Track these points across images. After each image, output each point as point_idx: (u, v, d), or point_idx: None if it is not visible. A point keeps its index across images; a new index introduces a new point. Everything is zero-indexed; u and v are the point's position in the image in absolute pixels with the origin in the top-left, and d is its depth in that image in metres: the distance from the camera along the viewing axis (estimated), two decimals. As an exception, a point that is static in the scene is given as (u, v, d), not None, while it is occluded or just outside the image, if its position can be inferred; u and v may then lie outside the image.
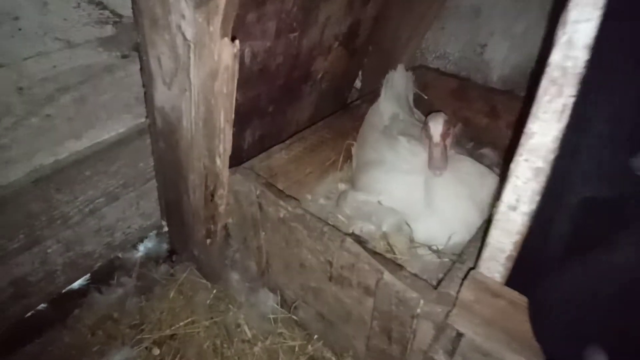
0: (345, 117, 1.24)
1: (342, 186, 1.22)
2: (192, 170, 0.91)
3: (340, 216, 1.08)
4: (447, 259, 0.94)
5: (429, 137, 0.98)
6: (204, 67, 0.74)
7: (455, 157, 0.99)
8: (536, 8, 1.16)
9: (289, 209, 0.82)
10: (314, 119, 1.39)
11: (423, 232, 0.98)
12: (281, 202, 0.83)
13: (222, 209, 0.91)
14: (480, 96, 1.32)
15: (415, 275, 0.68)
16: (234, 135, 0.82)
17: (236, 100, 0.80)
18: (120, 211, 1.00)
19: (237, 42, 0.70)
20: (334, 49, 1.23)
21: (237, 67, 0.72)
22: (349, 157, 1.26)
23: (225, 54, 0.70)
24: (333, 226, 0.77)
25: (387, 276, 0.68)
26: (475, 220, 0.93)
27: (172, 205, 1.06)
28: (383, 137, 1.16)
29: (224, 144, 0.81)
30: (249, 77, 0.96)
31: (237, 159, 0.92)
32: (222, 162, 0.84)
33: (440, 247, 0.96)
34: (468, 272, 0.65)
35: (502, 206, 0.58)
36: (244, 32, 0.84)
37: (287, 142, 1.08)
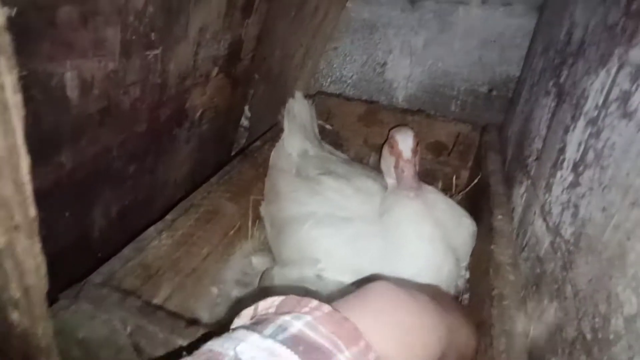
0: (244, 165, 0.91)
1: (257, 261, 0.87)
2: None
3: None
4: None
5: (397, 153, 0.74)
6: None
7: (425, 187, 0.75)
8: (433, 19, 1.06)
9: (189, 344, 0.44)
10: (197, 174, 1.01)
11: None
12: (176, 337, 0.45)
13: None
14: (391, 119, 1.16)
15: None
16: (61, 223, 0.41)
17: (61, 164, 0.41)
18: None
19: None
20: (213, 78, 0.91)
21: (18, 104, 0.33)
22: (258, 217, 0.93)
23: None
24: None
25: None
26: (453, 275, 0.70)
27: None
28: (300, 182, 0.87)
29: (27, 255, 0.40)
30: (83, 122, 0.56)
31: (80, 264, 0.51)
32: (25, 294, 0.41)
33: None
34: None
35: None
36: (56, 41, 0.46)
37: (168, 217, 0.69)
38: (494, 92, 1.09)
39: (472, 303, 0.68)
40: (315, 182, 0.86)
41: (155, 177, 0.86)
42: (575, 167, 0.47)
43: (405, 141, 0.75)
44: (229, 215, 0.84)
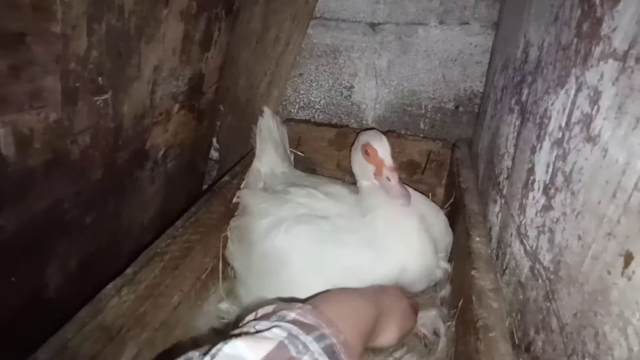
0: (212, 203, 0.86)
1: (227, 307, 0.81)
2: None
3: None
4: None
5: (378, 162, 0.74)
6: None
7: (407, 187, 0.76)
8: (394, 40, 1.07)
9: None
10: (167, 213, 0.97)
11: None
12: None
13: None
14: (362, 141, 1.15)
15: None
16: (9, 289, 0.37)
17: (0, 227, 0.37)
18: None
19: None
20: (174, 114, 0.87)
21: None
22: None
23: None
24: None
25: None
26: (434, 262, 0.73)
27: None
28: (268, 195, 0.85)
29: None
30: (24, 178, 0.51)
31: (37, 329, 0.46)
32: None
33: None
34: None
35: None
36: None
37: (128, 270, 0.64)
38: (461, 108, 1.09)
39: (458, 333, 0.65)
40: (283, 193, 0.83)
41: (119, 222, 0.81)
42: (545, 189, 0.46)
43: (384, 147, 0.75)
44: (199, 256, 0.79)
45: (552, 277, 0.41)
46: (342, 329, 0.39)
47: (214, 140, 1.20)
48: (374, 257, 0.69)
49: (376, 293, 0.57)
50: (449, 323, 0.71)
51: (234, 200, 0.88)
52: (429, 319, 0.72)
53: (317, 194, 0.80)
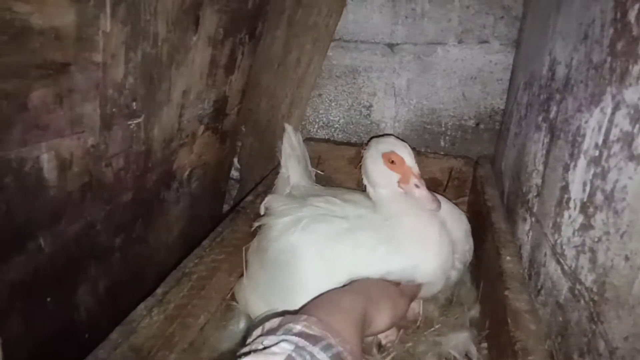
0: (237, 223, 0.87)
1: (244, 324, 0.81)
2: None
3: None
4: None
5: (405, 170, 0.74)
6: None
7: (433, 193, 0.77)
8: (413, 60, 1.08)
9: None
10: (190, 234, 0.98)
11: None
12: None
13: None
14: (382, 160, 1.15)
15: None
16: (43, 311, 0.38)
17: (39, 249, 0.38)
18: None
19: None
20: (199, 136, 0.90)
21: None
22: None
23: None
24: None
25: None
26: (449, 262, 0.73)
27: None
28: (290, 199, 0.85)
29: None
30: (62, 201, 0.53)
31: (67, 351, 0.46)
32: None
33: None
34: None
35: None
36: (29, 125, 0.44)
37: (158, 290, 0.64)
38: (482, 126, 1.09)
39: (492, 356, 0.63)
40: (304, 199, 0.84)
41: (146, 244, 0.82)
42: (583, 207, 0.45)
43: (410, 155, 0.75)
44: (224, 278, 0.80)
45: (596, 298, 0.40)
46: (347, 338, 0.41)
47: (235, 160, 1.22)
48: (389, 255, 0.68)
49: (360, 285, 0.59)
50: (479, 345, 0.69)
51: (262, 204, 0.88)
52: (461, 340, 0.70)
53: (336, 200, 0.80)
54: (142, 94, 0.62)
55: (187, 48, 0.71)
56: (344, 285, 0.61)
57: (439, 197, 0.78)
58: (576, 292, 0.45)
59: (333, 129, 1.23)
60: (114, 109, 0.57)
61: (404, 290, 0.65)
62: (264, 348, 0.37)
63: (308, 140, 1.19)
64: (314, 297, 0.54)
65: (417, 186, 0.73)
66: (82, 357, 0.52)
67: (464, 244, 0.77)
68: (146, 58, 0.60)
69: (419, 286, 0.68)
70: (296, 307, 0.58)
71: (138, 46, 0.57)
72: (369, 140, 0.86)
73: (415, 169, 0.74)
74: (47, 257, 0.54)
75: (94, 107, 0.53)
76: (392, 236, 0.70)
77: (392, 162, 0.76)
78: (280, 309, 0.66)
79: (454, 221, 0.77)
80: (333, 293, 0.54)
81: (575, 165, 0.48)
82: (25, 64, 0.41)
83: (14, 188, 0.44)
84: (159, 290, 0.64)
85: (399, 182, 0.75)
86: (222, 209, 1.24)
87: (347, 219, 0.74)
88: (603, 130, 0.42)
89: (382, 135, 0.91)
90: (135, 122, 0.63)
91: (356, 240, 0.70)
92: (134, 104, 0.61)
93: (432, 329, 0.76)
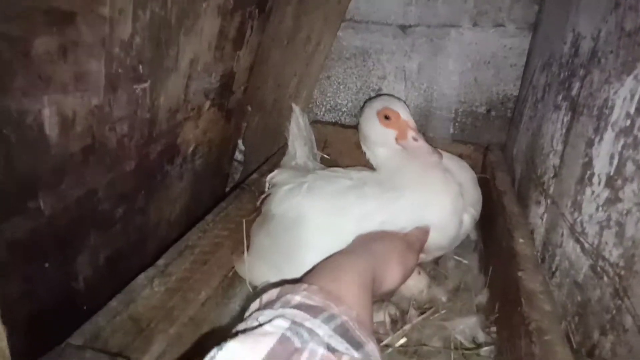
0: (241, 199, 0.85)
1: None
2: None
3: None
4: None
5: (402, 124, 0.73)
6: None
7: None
8: (425, 43, 1.05)
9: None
10: (192, 212, 0.96)
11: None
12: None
13: None
14: (389, 145, 1.13)
15: None
16: (41, 276, 0.37)
17: (39, 210, 0.37)
18: None
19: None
20: (205, 111, 0.87)
21: None
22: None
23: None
24: None
25: None
26: (460, 207, 0.71)
27: None
28: (293, 170, 0.85)
29: None
30: (64, 162, 0.51)
31: (65, 319, 0.45)
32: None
33: None
34: None
35: None
36: (32, 74, 0.41)
37: (160, 261, 0.62)
38: (493, 112, 1.07)
39: (502, 338, 0.61)
40: (308, 171, 0.84)
41: (147, 217, 0.80)
42: (609, 181, 0.43)
43: (405, 109, 0.74)
44: (227, 254, 0.78)
45: (622, 273, 0.38)
46: (352, 304, 0.38)
47: (240, 140, 1.19)
48: (396, 200, 0.67)
49: (364, 243, 0.56)
50: (488, 329, 0.67)
51: (268, 178, 0.86)
52: (468, 325, 0.68)
53: (339, 168, 0.81)
54: (149, 57, 0.60)
55: (197, 14, 0.68)
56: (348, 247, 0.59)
57: (440, 150, 0.76)
58: (598, 269, 0.43)
59: (340, 113, 1.20)
60: (119, 70, 0.54)
61: (411, 240, 0.61)
62: (259, 325, 0.33)
63: (315, 123, 1.17)
64: (317, 262, 0.50)
65: (414, 139, 0.71)
66: (80, 325, 0.50)
67: (472, 191, 0.75)
68: (154, 18, 0.57)
69: (425, 233, 0.65)
70: (301, 268, 0.56)
71: (147, 4, 0.55)
72: (363, 104, 0.84)
73: (412, 122, 0.73)
74: (47, 219, 0.52)
75: (99, 66, 0.51)
76: (397, 185, 0.69)
77: (388, 117, 0.74)
78: (285, 271, 0.64)
79: (458, 169, 0.75)
80: (336, 256, 0.50)
81: (601, 139, 0.46)
82: (30, 7, 0.39)
83: (14, 140, 0.42)
84: (161, 262, 0.63)
85: (396, 138, 0.73)
86: (225, 189, 1.22)
87: (351, 179, 0.73)
88: (636, 97, 0.39)
89: (377, 96, 0.89)
90: (141, 86, 0.61)
91: (361, 192, 0.69)
92: (141, 67, 0.59)
93: (438, 314, 0.75)
